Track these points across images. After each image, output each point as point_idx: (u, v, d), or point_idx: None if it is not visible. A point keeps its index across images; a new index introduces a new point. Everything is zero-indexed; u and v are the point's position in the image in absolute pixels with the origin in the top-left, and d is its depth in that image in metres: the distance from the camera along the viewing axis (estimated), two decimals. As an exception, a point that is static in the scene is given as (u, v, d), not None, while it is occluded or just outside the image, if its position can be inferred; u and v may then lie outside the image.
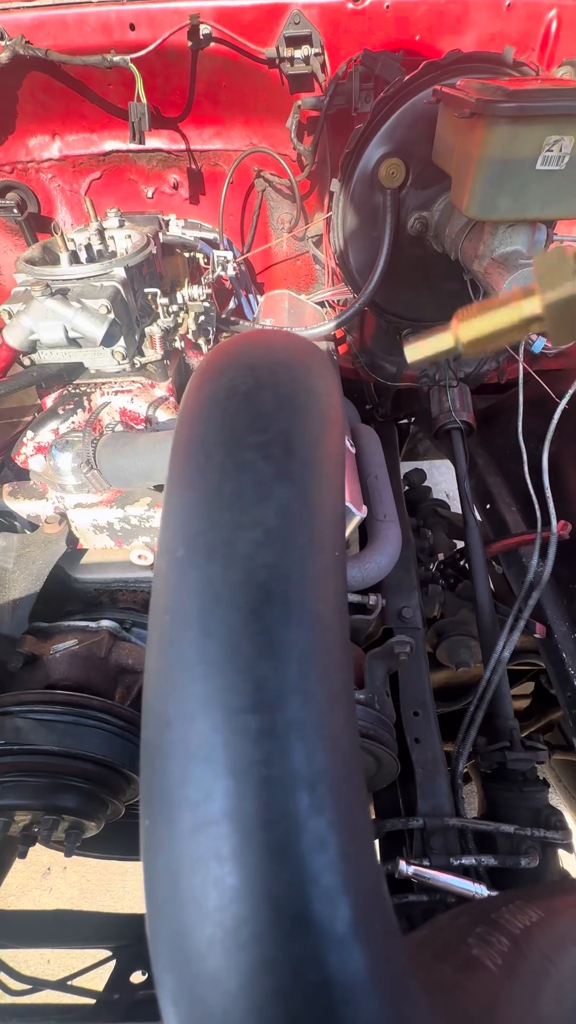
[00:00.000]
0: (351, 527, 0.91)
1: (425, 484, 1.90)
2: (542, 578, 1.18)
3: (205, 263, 1.43)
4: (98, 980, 1.08)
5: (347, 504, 0.86)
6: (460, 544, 1.57)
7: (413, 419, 2.04)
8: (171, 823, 0.20)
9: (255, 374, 0.28)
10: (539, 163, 0.71)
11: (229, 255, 1.30)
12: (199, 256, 1.44)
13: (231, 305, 1.59)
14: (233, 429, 0.26)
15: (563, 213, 0.78)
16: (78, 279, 0.91)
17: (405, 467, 1.96)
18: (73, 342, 0.90)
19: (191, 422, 0.28)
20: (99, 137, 1.39)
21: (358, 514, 0.88)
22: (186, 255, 1.45)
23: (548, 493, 1.18)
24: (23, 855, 0.79)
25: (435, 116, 0.96)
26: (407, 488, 1.88)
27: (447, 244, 1.05)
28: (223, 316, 1.30)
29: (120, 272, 0.94)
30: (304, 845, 0.19)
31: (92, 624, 0.89)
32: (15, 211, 1.40)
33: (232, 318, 1.30)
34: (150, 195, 1.52)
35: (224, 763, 0.20)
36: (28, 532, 0.94)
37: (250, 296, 1.63)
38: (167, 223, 1.40)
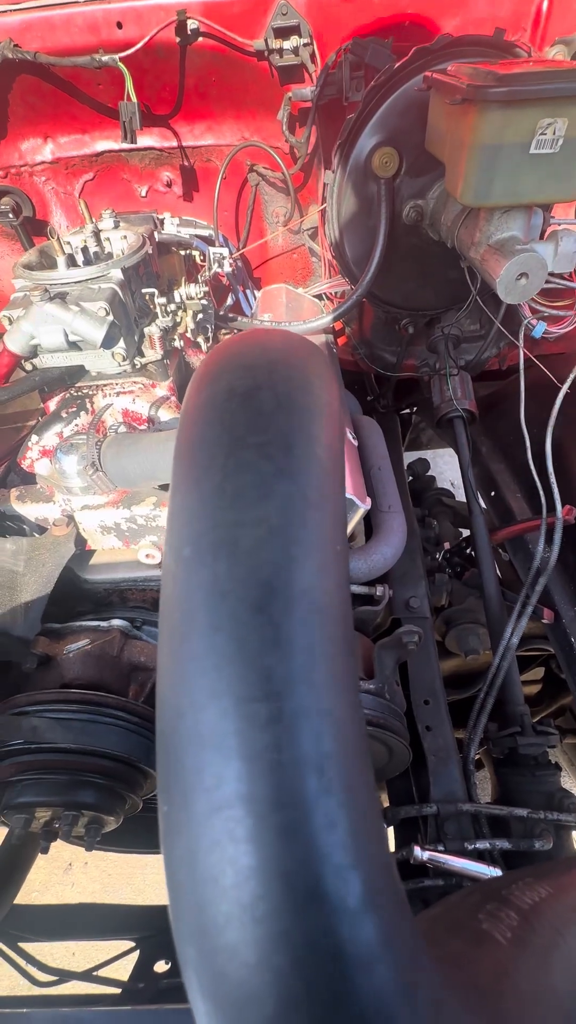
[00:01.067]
0: (355, 519, 0.91)
1: (429, 473, 1.90)
2: (548, 564, 1.18)
3: (201, 260, 1.43)
4: (123, 971, 1.11)
5: (351, 497, 0.86)
6: (466, 532, 1.57)
7: (415, 409, 2.04)
8: (188, 808, 0.22)
9: (253, 375, 0.29)
10: (533, 147, 0.70)
11: (225, 251, 1.29)
12: (195, 254, 1.44)
13: (229, 301, 1.59)
14: (233, 430, 0.27)
15: (559, 196, 0.77)
16: (76, 282, 0.92)
17: (408, 457, 1.96)
18: (73, 345, 0.91)
19: (192, 424, 0.29)
20: (91, 138, 1.39)
21: (362, 506, 0.88)
22: (182, 253, 1.45)
23: (552, 478, 1.18)
24: (45, 851, 0.81)
25: (427, 103, 0.95)
26: (411, 478, 1.88)
27: (443, 232, 1.04)
28: (221, 313, 1.30)
29: (117, 274, 0.94)
30: (315, 825, 0.20)
31: (103, 624, 0.90)
32: (10, 216, 1.41)
33: (230, 315, 1.30)
34: (144, 194, 1.52)
35: (236, 749, 0.21)
36: (37, 535, 0.95)
37: (247, 291, 1.62)
38: (162, 222, 1.40)
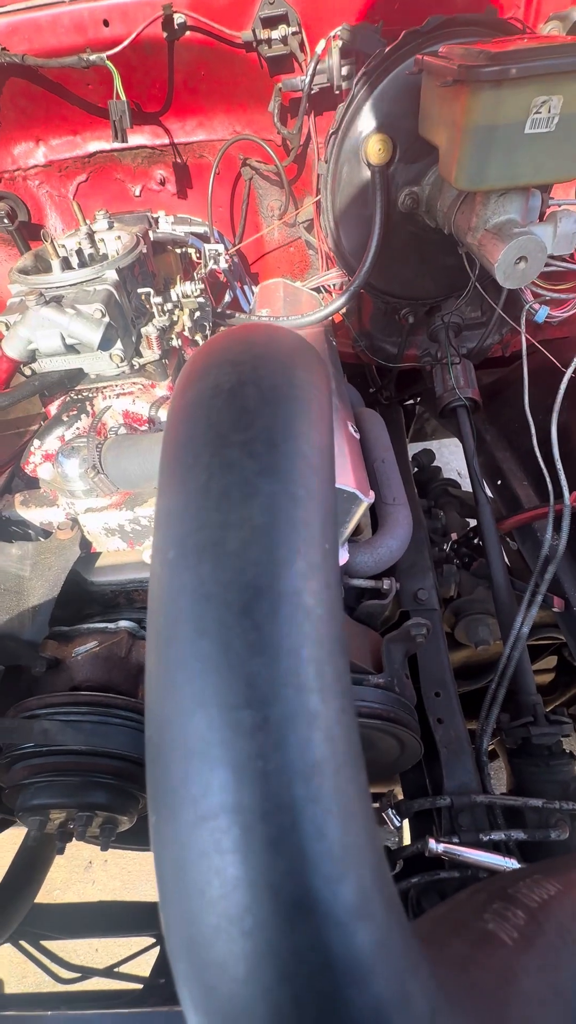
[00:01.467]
0: (359, 513, 0.91)
1: (435, 464, 1.89)
2: (557, 551, 1.17)
3: (197, 258, 1.42)
4: (144, 966, 1.12)
5: (354, 490, 0.86)
6: (473, 522, 1.55)
7: (419, 399, 2.02)
8: (175, 818, 0.21)
9: (238, 371, 0.28)
10: (528, 126, 0.69)
11: (220, 248, 1.28)
12: (191, 251, 1.43)
13: (227, 298, 1.58)
14: (218, 428, 0.27)
15: (556, 176, 0.75)
16: (71, 285, 0.92)
17: (413, 448, 1.94)
18: (71, 348, 0.91)
19: (178, 424, 0.28)
20: (83, 139, 1.38)
21: (365, 500, 0.88)
22: (178, 251, 1.44)
23: (559, 464, 1.16)
24: (61, 851, 0.82)
25: (419, 87, 0.93)
26: (416, 469, 1.87)
27: (440, 218, 1.02)
28: (219, 310, 1.29)
29: (112, 275, 0.94)
30: (302, 834, 0.20)
31: (111, 625, 0.90)
32: (6, 221, 1.40)
33: (228, 311, 1.29)
34: (138, 193, 1.51)
35: (221, 759, 0.21)
36: (42, 539, 0.96)
37: (245, 287, 1.61)
38: (156, 220, 1.40)
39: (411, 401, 2.01)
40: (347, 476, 0.88)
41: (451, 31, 0.94)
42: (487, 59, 0.66)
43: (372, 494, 0.91)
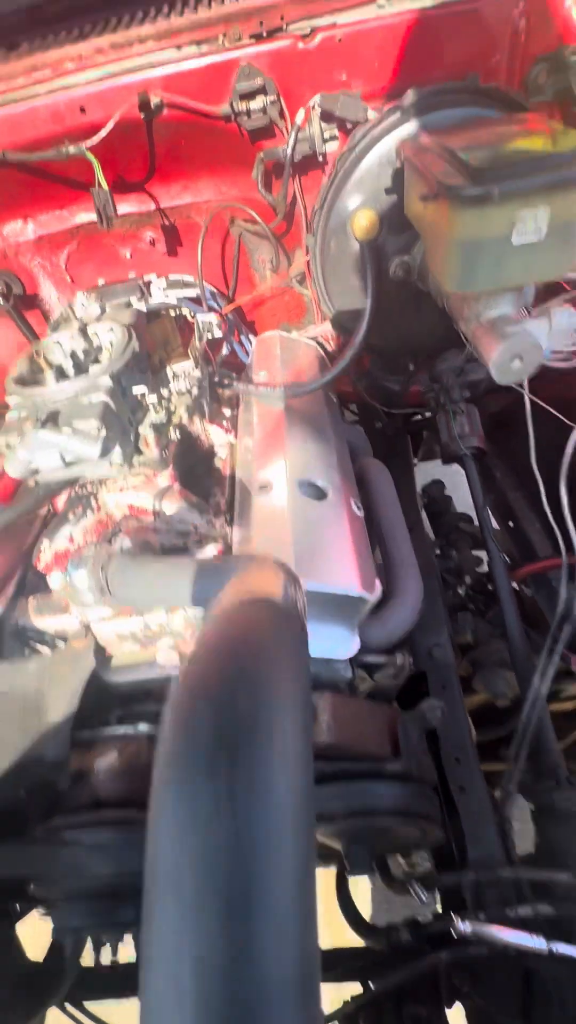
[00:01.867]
0: (366, 609, 0.91)
1: (446, 494, 1.86)
2: (572, 608, 1.15)
3: (192, 317, 1.42)
4: None
5: (359, 594, 0.86)
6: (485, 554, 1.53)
7: (430, 415, 1.97)
8: None
9: (217, 718, 0.29)
10: (515, 238, 0.66)
11: (212, 318, 1.28)
12: (186, 312, 1.43)
13: (224, 350, 1.57)
14: (193, 800, 0.28)
15: (548, 277, 0.73)
16: (66, 399, 0.92)
17: (426, 469, 1.91)
18: (71, 463, 0.92)
19: (163, 785, 0.30)
20: (70, 212, 1.38)
21: (371, 598, 0.88)
22: (172, 314, 1.44)
23: (569, 521, 1.14)
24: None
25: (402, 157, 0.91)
26: (427, 501, 1.85)
27: (433, 289, 1.00)
28: (216, 379, 1.28)
29: (106, 381, 0.94)
30: None
31: (131, 730, 0.92)
32: (1, 300, 1.42)
33: (226, 380, 1.28)
34: (128, 256, 1.51)
35: None
36: (60, 643, 0.98)
37: (243, 337, 1.60)
38: (148, 286, 1.39)
39: (420, 417, 1.96)
40: (352, 576, 0.87)
41: (433, 102, 0.91)
42: (467, 178, 0.64)
43: (378, 587, 0.91)
